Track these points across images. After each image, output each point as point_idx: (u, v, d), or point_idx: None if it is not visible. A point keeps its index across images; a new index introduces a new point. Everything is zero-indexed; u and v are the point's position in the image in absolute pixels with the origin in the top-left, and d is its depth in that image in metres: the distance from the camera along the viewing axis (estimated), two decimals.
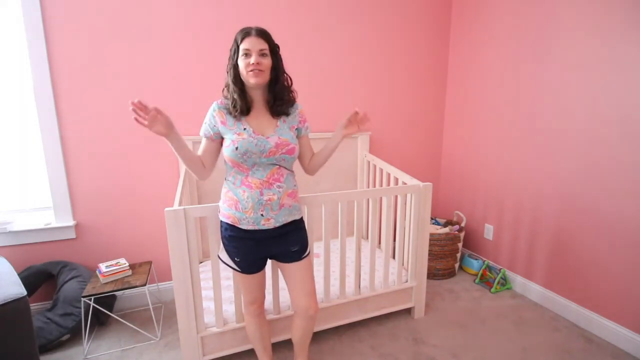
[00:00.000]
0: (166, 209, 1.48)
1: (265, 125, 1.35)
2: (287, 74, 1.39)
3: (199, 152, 1.38)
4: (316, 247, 2.48)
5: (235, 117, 1.32)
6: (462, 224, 2.75)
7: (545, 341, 1.96)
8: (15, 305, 1.44)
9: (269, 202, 1.32)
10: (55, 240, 2.11)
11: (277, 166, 1.34)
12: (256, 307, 1.51)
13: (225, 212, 1.36)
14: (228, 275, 2.07)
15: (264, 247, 1.40)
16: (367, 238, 2.67)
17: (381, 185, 2.49)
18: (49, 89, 1.97)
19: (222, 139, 1.35)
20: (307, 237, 1.50)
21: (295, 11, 2.41)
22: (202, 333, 1.66)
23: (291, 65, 2.45)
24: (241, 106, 1.30)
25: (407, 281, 2.13)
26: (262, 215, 1.32)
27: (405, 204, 2.06)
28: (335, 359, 1.83)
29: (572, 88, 2.03)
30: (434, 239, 2.57)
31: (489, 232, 2.70)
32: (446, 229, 2.71)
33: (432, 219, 2.99)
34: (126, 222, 2.24)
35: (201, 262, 2.32)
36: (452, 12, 2.87)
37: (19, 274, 1.90)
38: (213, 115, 1.34)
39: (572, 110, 2.05)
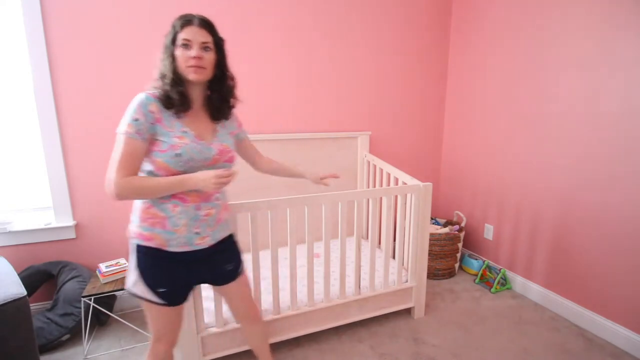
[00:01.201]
0: None
1: (204, 129, 1.17)
2: (231, 73, 1.23)
3: (126, 159, 1.04)
4: (316, 247, 2.48)
5: (174, 115, 1.11)
6: (462, 224, 2.75)
7: (545, 341, 1.96)
8: (15, 305, 1.44)
9: (206, 217, 1.14)
10: (55, 240, 2.11)
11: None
12: (167, 346, 1.25)
13: (146, 233, 1.10)
14: None
15: (195, 271, 1.20)
16: (367, 238, 2.67)
17: (381, 185, 2.49)
18: (49, 89, 1.97)
19: (153, 141, 1.08)
20: (240, 251, 1.36)
21: (295, 11, 2.41)
22: (202, 333, 1.66)
23: (291, 65, 2.46)
24: (183, 101, 1.10)
25: (407, 281, 2.13)
26: (197, 233, 1.13)
27: (405, 204, 2.06)
28: (335, 359, 1.83)
29: (572, 88, 2.03)
30: (434, 239, 2.57)
31: (489, 232, 2.70)
32: (446, 229, 2.71)
33: (432, 219, 2.99)
34: (126, 222, 2.23)
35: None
36: (452, 12, 2.87)
37: (19, 274, 1.90)
38: (149, 110, 1.06)
39: (572, 111, 2.05)
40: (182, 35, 1.08)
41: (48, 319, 1.88)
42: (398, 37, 2.73)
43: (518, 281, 2.48)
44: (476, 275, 2.69)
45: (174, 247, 1.12)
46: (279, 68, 2.44)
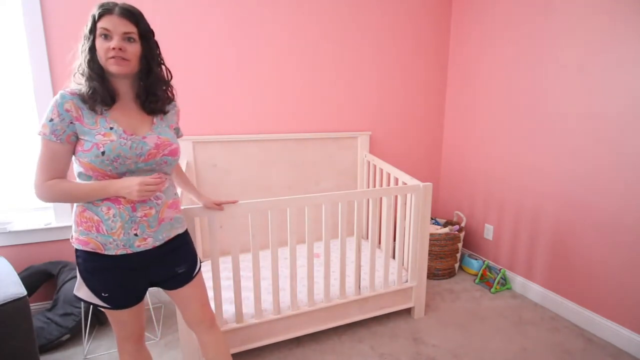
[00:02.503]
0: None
1: (137, 122, 1.09)
2: (165, 66, 1.16)
3: (47, 162, 1.00)
4: (316, 247, 2.48)
5: (94, 110, 1.02)
6: (462, 224, 2.75)
7: (545, 341, 1.96)
8: (15, 305, 1.44)
9: (144, 218, 1.07)
10: (55, 240, 2.11)
11: (157, 172, 1.11)
12: (133, 343, 1.21)
13: (82, 237, 1.05)
14: (228, 275, 2.07)
15: (142, 274, 1.13)
16: (367, 238, 2.67)
17: (381, 185, 2.50)
18: (49, 89, 1.97)
19: (77, 141, 1.02)
20: (194, 251, 1.28)
21: (294, 11, 2.41)
22: None
23: (291, 65, 2.46)
24: (102, 96, 1.02)
25: (407, 281, 2.13)
26: (135, 235, 1.06)
27: (405, 204, 2.06)
28: (335, 359, 1.83)
29: (572, 88, 2.04)
30: (434, 239, 2.57)
31: (489, 232, 2.70)
32: (446, 229, 2.71)
33: (432, 219, 2.99)
34: None
35: (202, 262, 2.32)
36: (452, 12, 2.87)
37: (19, 274, 1.90)
38: (65, 109, 0.99)
39: (572, 110, 2.05)
40: (101, 24, 1.00)
41: (48, 319, 1.88)
42: (398, 37, 2.73)
43: (518, 281, 2.48)
44: (476, 275, 2.69)
45: (112, 251, 1.05)
46: (279, 68, 2.44)
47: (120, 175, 1.04)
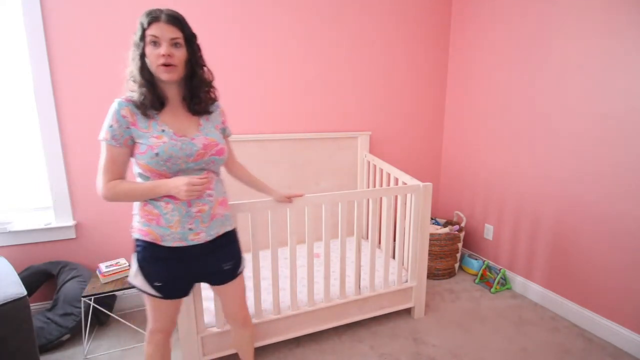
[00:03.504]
0: None
1: (186, 124, 1.16)
2: (207, 68, 1.21)
3: (108, 165, 1.09)
4: (316, 247, 2.48)
5: (147, 115, 1.10)
6: (462, 224, 2.75)
7: (545, 341, 1.96)
8: (15, 305, 1.44)
9: (199, 213, 1.15)
10: (55, 240, 2.11)
11: (205, 171, 1.18)
12: (163, 336, 1.30)
13: (143, 228, 1.14)
14: None
15: (193, 266, 1.21)
16: (367, 238, 2.67)
17: (381, 185, 2.50)
18: (49, 89, 1.97)
19: (134, 144, 1.11)
20: (240, 249, 1.36)
21: (294, 11, 2.41)
22: (202, 333, 1.66)
23: (291, 65, 2.46)
24: (153, 101, 1.09)
25: (407, 281, 2.13)
26: (190, 229, 1.14)
27: (405, 204, 2.06)
28: (335, 359, 1.83)
29: (572, 88, 2.04)
30: (434, 239, 2.57)
31: (488, 232, 2.70)
32: (446, 229, 2.71)
33: (432, 219, 2.99)
34: (126, 222, 2.24)
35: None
36: (452, 12, 2.87)
37: (19, 274, 1.90)
38: (122, 115, 1.08)
39: (572, 110, 2.05)
40: (150, 32, 1.06)
41: (48, 319, 1.88)
42: (398, 37, 2.73)
43: (518, 281, 2.48)
44: (476, 275, 2.69)
45: (169, 242, 1.14)
46: (279, 69, 2.44)
47: (174, 174, 1.12)
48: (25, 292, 1.49)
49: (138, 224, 1.16)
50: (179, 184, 1.07)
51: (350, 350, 1.89)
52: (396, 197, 2.45)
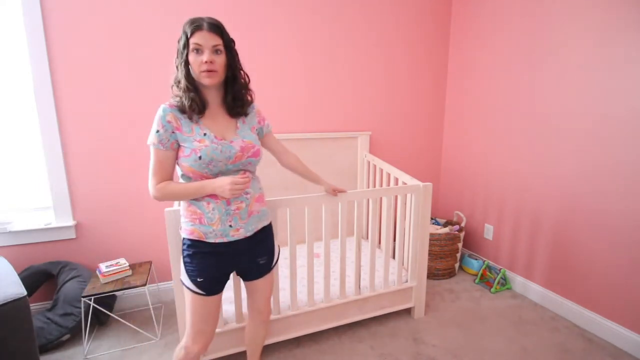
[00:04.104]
0: (166, 209, 1.48)
1: (225, 128, 1.23)
2: (244, 71, 1.27)
3: (157, 167, 1.17)
4: (316, 247, 2.48)
5: (191, 119, 1.17)
6: (462, 224, 2.75)
7: (545, 341, 1.96)
8: (15, 305, 1.44)
9: (237, 211, 1.22)
10: (55, 240, 2.11)
11: (243, 171, 1.25)
12: (201, 346, 1.28)
13: (189, 227, 1.23)
14: None
15: (231, 261, 1.29)
16: (367, 238, 2.67)
17: (381, 185, 2.49)
18: (49, 89, 1.97)
19: (179, 148, 1.18)
20: (274, 243, 1.43)
21: (293, 11, 2.41)
22: None
23: (291, 65, 2.46)
24: (199, 106, 1.17)
25: (407, 281, 2.13)
26: (230, 226, 1.22)
27: (405, 204, 2.06)
28: (335, 359, 1.83)
29: (572, 88, 2.03)
30: (434, 239, 2.57)
31: (489, 232, 2.70)
32: (446, 229, 2.71)
33: (432, 219, 2.99)
34: (126, 222, 2.24)
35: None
36: (452, 12, 2.87)
37: (19, 274, 1.90)
38: (167, 120, 1.15)
39: (572, 111, 2.05)
40: (193, 40, 1.12)
41: (48, 319, 1.88)
42: (398, 37, 2.73)
43: (518, 281, 2.48)
44: (476, 275, 2.69)
45: (212, 239, 1.21)
46: (279, 69, 2.44)
47: (215, 175, 1.19)
48: (25, 292, 1.49)
49: (185, 224, 1.24)
50: (223, 183, 1.14)
51: (350, 350, 1.89)
52: (396, 197, 2.45)
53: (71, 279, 2.00)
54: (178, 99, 1.17)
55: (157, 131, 1.14)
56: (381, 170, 2.50)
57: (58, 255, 2.13)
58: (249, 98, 1.31)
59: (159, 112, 1.16)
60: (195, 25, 1.12)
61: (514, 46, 2.36)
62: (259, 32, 2.34)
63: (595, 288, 2.01)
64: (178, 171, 1.22)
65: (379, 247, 2.58)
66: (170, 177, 1.20)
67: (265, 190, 2.45)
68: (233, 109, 1.25)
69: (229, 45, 1.19)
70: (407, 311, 2.22)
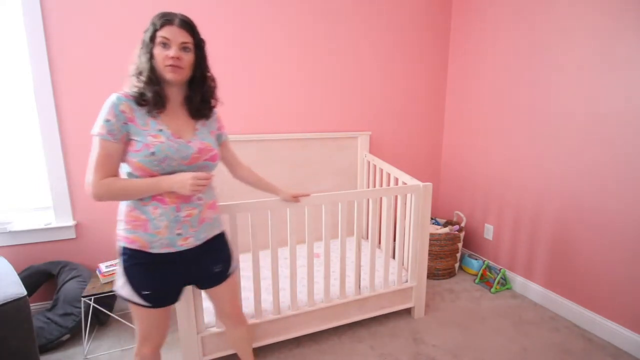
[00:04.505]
0: None
1: (183, 127, 1.16)
2: (211, 74, 1.22)
3: (102, 161, 1.05)
4: (316, 247, 2.48)
5: (149, 113, 1.10)
6: (462, 224, 2.75)
7: (545, 341, 1.96)
8: (15, 305, 1.44)
9: (187, 218, 1.13)
10: (55, 240, 2.11)
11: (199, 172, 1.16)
12: (153, 349, 1.24)
13: (129, 235, 1.10)
14: None
15: (182, 272, 1.19)
16: (367, 238, 2.67)
17: (381, 186, 2.49)
18: (49, 89, 1.97)
19: (129, 141, 1.08)
20: (230, 251, 1.35)
21: (294, 11, 2.41)
22: (202, 333, 1.66)
23: (291, 65, 2.46)
24: (158, 99, 1.09)
25: (407, 281, 2.13)
26: (179, 234, 1.13)
27: (405, 204, 2.06)
28: (335, 359, 1.83)
29: (571, 88, 2.04)
30: (434, 239, 2.57)
31: (489, 232, 2.70)
32: (446, 229, 2.71)
33: (432, 219, 2.99)
34: None
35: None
36: (452, 12, 2.87)
37: (19, 274, 1.90)
38: (121, 110, 1.06)
39: (572, 111, 2.05)
40: (161, 34, 1.07)
41: (48, 319, 1.88)
42: (398, 37, 2.73)
43: (518, 281, 2.48)
44: (476, 275, 2.69)
45: (157, 249, 1.12)
46: (279, 69, 2.44)
47: (167, 175, 1.10)
48: (25, 292, 1.49)
49: (123, 232, 1.12)
50: (184, 178, 1.07)
51: (350, 350, 1.89)
52: (396, 197, 2.45)
53: (71, 279, 2.00)
54: (136, 89, 1.09)
55: (107, 120, 1.04)
56: (381, 170, 2.50)
57: (58, 255, 2.13)
58: (213, 101, 1.25)
59: (112, 99, 1.06)
60: (166, 19, 1.08)
61: (514, 46, 2.36)
62: (259, 31, 2.34)
63: (595, 288, 2.01)
64: (123, 168, 1.12)
65: (379, 247, 2.58)
66: (115, 173, 1.09)
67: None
68: (198, 110, 1.19)
69: (199, 45, 1.15)
70: (407, 311, 2.22)
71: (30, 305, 1.57)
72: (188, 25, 1.10)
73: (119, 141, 1.06)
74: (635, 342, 1.83)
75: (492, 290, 2.47)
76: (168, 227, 1.11)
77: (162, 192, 1.09)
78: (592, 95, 1.94)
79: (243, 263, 2.17)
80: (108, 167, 1.06)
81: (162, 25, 1.07)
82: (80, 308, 1.91)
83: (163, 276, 1.16)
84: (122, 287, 1.15)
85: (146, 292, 1.14)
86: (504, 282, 2.54)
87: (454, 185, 3.02)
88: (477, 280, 2.62)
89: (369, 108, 2.75)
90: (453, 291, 2.51)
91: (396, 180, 2.29)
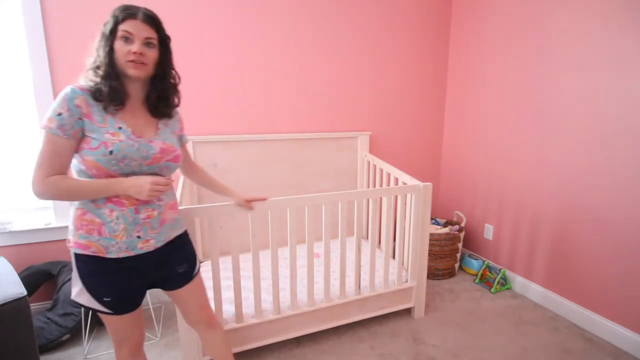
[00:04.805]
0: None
1: (144, 126, 1.10)
2: (175, 71, 1.17)
3: (50, 157, 0.97)
4: (316, 247, 2.48)
5: (105, 110, 1.02)
6: (462, 224, 2.75)
7: (545, 341, 1.96)
8: (15, 305, 1.44)
9: (147, 219, 1.07)
10: (55, 240, 2.10)
11: (158, 176, 1.09)
12: (130, 349, 1.20)
13: (82, 241, 1.02)
14: (228, 275, 2.07)
15: (144, 276, 1.13)
16: (367, 238, 2.67)
17: (381, 186, 2.50)
18: (49, 88, 1.97)
19: (83, 138, 1.00)
20: (194, 251, 1.29)
21: (295, 12, 2.41)
22: None
23: (291, 65, 2.46)
24: (117, 95, 1.02)
25: (407, 281, 2.13)
26: (138, 237, 1.06)
27: (405, 204, 2.06)
28: (335, 359, 1.83)
29: (571, 88, 2.04)
30: (434, 239, 2.57)
31: (488, 232, 2.70)
32: (446, 229, 2.71)
33: (432, 219, 2.99)
34: None
35: (201, 262, 2.32)
36: (452, 12, 2.87)
37: (19, 274, 1.90)
38: (75, 104, 0.98)
39: (572, 111, 2.05)
40: (123, 27, 1.01)
41: (48, 319, 1.88)
42: (399, 37, 2.73)
43: (518, 281, 2.48)
44: (476, 275, 2.69)
45: (114, 254, 1.04)
46: (279, 68, 2.44)
47: (125, 175, 1.03)
48: (25, 292, 1.49)
49: (74, 237, 1.04)
50: (142, 182, 1.01)
51: (350, 350, 1.89)
52: (396, 197, 2.45)
53: (71, 279, 2.00)
54: (93, 84, 1.02)
55: (59, 114, 0.96)
56: (381, 170, 2.50)
57: (58, 255, 2.12)
58: (177, 100, 1.20)
59: (66, 92, 0.98)
60: (129, 12, 1.01)
61: (514, 46, 2.36)
62: (259, 31, 2.34)
63: (595, 288, 2.01)
64: (74, 167, 1.04)
65: (379, 247, 2.58)
66: (64, 171, 1.00)
67: (269, 189, 2.48)
68: (157, 109, 1.13)
69: (164, 41, 1.09)
70: (407, 311, 2.22)
71: (30, 305, 1.56)
72: (153, 20, 1.05)
73: (70, 137, 0.98)
74: (635, 342, 1.83)
75: (492, 290, 2.47)
76: (126, 230, 1.04)
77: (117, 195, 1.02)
78: (591, 96, 1.94)
79: (243, 263, 2.17)
80: (55, 164, 0.98)
81: (124, 19, 1.01)
82: (80, 308, 1.91)
83: (123, 282, 1.09)
84: (78, 295, 1.08)
85: (107, 299, 1.07)
86: (504, 282, 2.54)
87: (454, 185, 3.02)
88: (477, 280, 2.62)
89: (369, 108, 2.75)
90: (453, 291, 2.51)
91: (396, 180, 2.29)
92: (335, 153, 2.67)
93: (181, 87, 2.03)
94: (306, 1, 2.42)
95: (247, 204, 1.53)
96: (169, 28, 2.22)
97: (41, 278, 2.05)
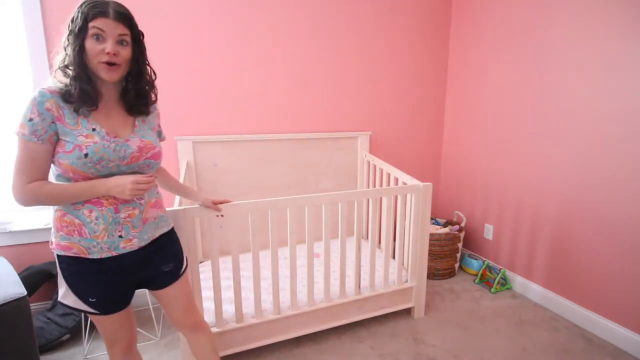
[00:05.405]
0: (166, 209, 1.48)
1: (120, 125, 1.06)
2: (151, 67, 1.13)
3: (27, 164, 0.97)
4: (316, 247, 2.48)
5: (77, 112, 0.98)
6: (462, 224, 2.75)
7: (545, 341, 1.96)
8: (15, 305, 1.44)
9: (128, 219, 1.05)
10: None
11: (139, 175, 1.06)
12: (122, 349, 1.19)
13: (64, 242, 1.01)
14: (228, 275, 2.07)
15: (129, 276, 1.11)
16: (367, 238, 2.67)
17: (381, 185, 2.50)
18: None
19: (57, 142, 0.98)
20: (181, 249, 1.27)
21: (295, 12, 2.41)
22: None
23: (291, 65, 2.46)
24: (92, 99, 0.98)
25: (407, 281, 2.13)
26: (120, 236, 1.04)
27: (405, 204, 2.06)
28: (335, 359, 1.83)
29: (571, 88, 2.04)
30: (434, 239, 2.57)
31: (488, 232, 2.70)
32: (446, 229, 2.71)
33: (432, 219, 2.99)
34: None
35: (201, 262, 2.32)
36: (452, 12, 2.87)
37: (19, 274, 1.90)
38: (46, 107, 0.94)
39: (572, 111, 2.05)
40: (94, 24, 0.95)
41: (48, 319, 1.88)
42: (398, 37, 2.73)
43: (518, 281, 2.48)
44: (476, 275, 2.69)
45: (97, 254, 1.03)
46: (279, 68, 2.44)
47: (103, 177, 1.02)
48: (25, 292, 1.49)
49: (56, 238, 1.03)
50: (123, 182, 0.99)
51: (350, 350, 1.89)
52: (396, 197, 2.44)
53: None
54: (63, 85, 0.97)
55: (30, 119, 0.94)
56: (381, 170, 2.50)
57: None
58: (154, 97, 1.16)
59: (35, 97, 0.94)
60: (98, 10, 0.95)
61: (514, 47, 2.36)
62: (259, 31, 2.34)
63: (595, 288, 2.01)
64: (53, 170, 1.02)
65: (379, 247, 2.58)
66: (44, 176, 0.99)
67: (269, 189, 2.48)
68: (134, 107, 1.09)
69: (137, 38, 1.05)
70: (407, 311, 2.22)
71: (30, 305, 1.56)
72: (125, 17, 1.00)
73: (46, 142, 0.96)
74: (635, 342, 1.83)
75: (492, 290, 2.47)
76: (107, 230, 1.02)
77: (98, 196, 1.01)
78: (591, 96, 1.94)
79: (243, 263, 2.17)
80: (34, 170, 0.97)
81: (94, 17, 0.95)
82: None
83: (108, 282, 1.07)
84: (64, 296, 1.06)
85: (92, 300, 1.06)
86: (504, 282, 2.54)
87: (454, 185, 3.02)
88: (477, 280, 2.62)
89: (369, 108, 2.75)
90: (453, 291, 2.51)
91: (396, 180, 2.29)
92: (335, 153, 2.67)
93: (181, 87, 2.04)
94: (306, 1, 2.43)
95: (214, 206, 1.51)
96: (169, 28, 2.22)
97: (41, 278, 2.05)
